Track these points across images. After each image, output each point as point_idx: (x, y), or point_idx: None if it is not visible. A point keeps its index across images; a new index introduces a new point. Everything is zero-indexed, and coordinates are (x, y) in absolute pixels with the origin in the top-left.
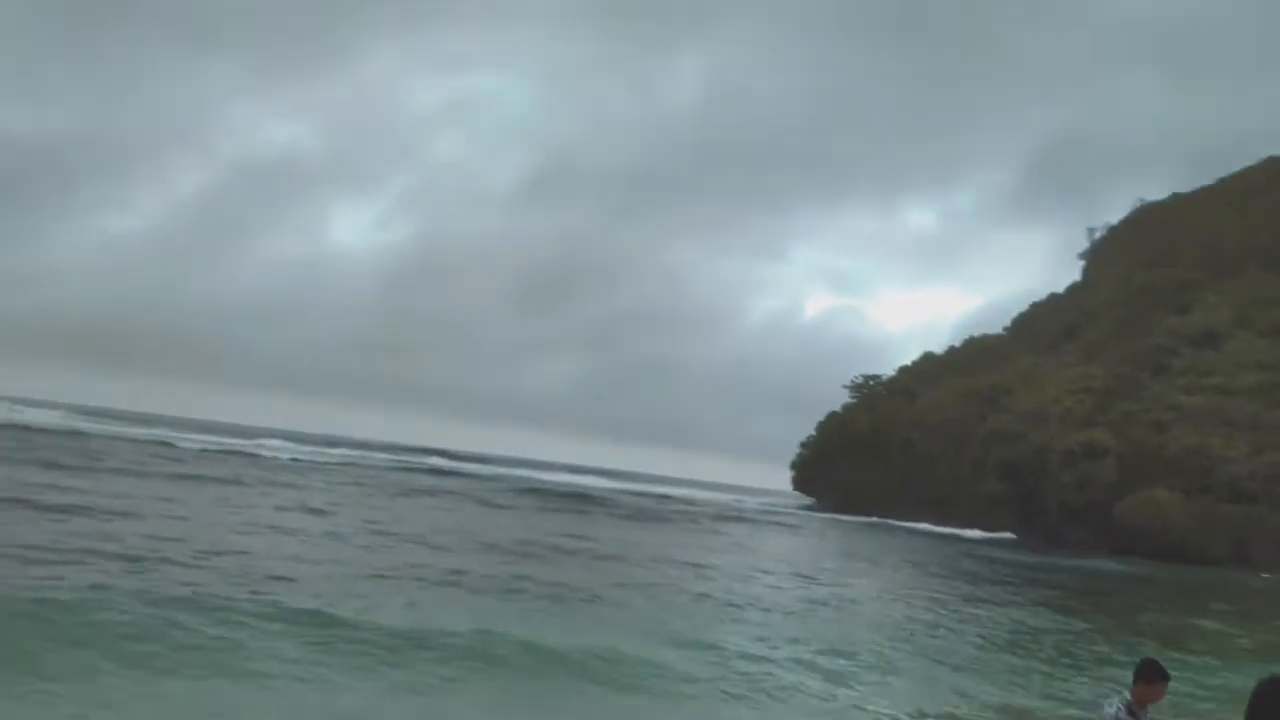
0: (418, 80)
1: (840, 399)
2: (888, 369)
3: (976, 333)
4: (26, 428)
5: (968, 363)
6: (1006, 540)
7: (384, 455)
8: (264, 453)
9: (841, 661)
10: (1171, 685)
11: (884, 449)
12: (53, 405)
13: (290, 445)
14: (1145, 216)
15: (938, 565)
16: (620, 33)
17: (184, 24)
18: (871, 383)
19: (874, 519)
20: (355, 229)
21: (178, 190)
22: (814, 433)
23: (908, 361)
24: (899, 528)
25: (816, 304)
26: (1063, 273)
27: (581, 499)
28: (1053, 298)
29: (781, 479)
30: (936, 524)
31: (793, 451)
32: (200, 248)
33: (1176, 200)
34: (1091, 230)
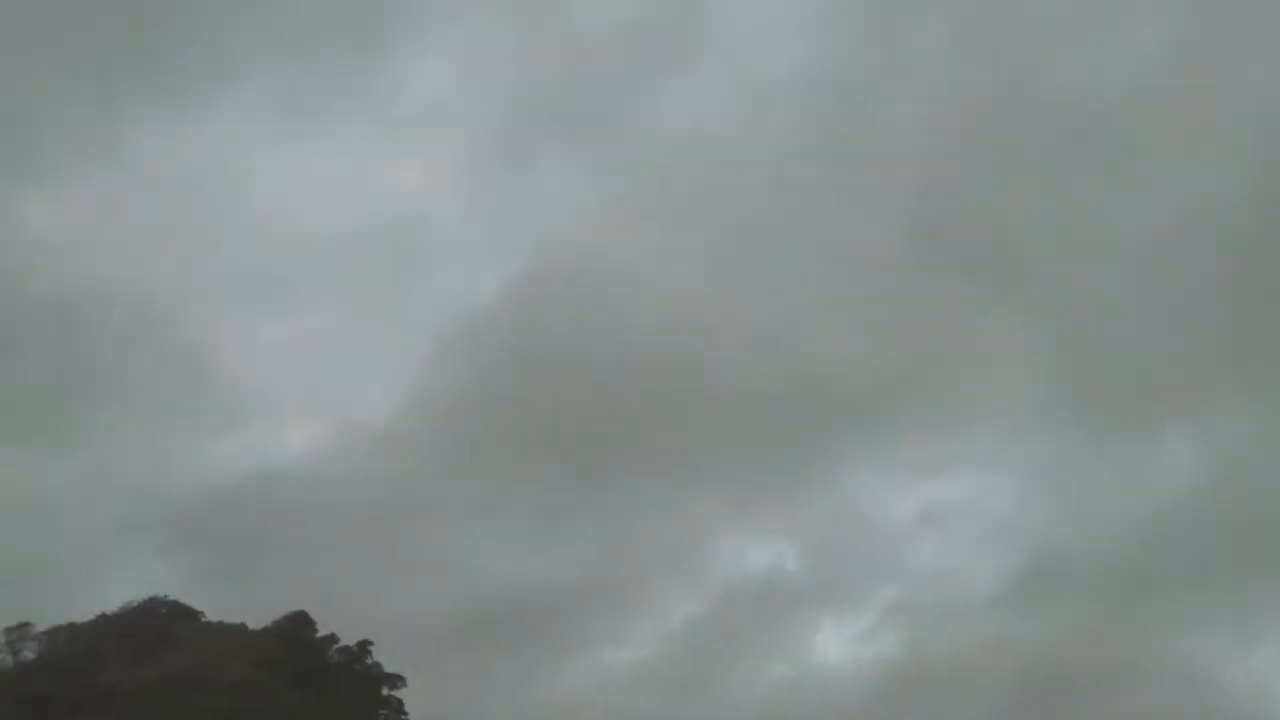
0: (892, 491)
1: None
2: None
3: None
4: None
5: None
6: None
7: None
8: None
9: None
10: None
11: None
12: None
13: None
14: None
15: None
16: (1097, 419)
17: (675, 467)
18: None
19: None
20: (839, 643)
21: (669, 620)
22: None
23: None
24: None
25: None
26: None
27: None
28: None
29: None
30: None
31: None
32: (691, 674)
33: None
34: None
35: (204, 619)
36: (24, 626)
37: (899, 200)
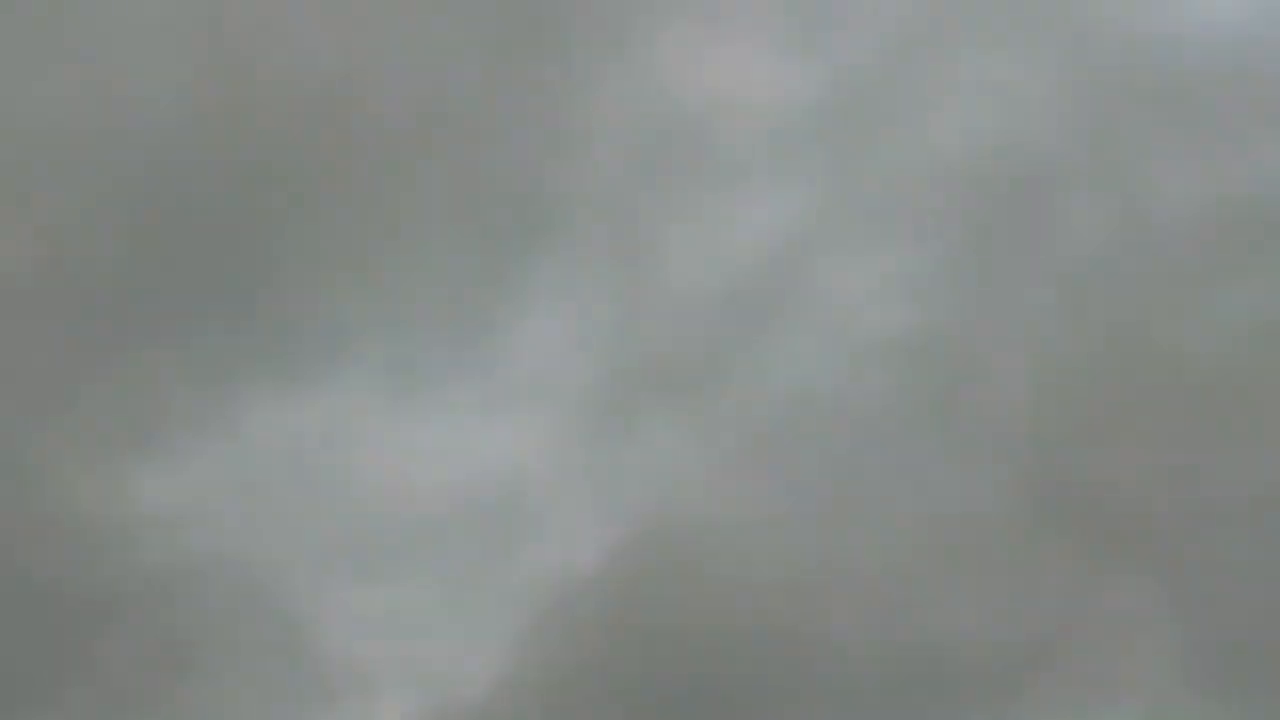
0: None
1: None
2: None
3: None
4: None
5: None
6: None
7: None
8: None
9: None
10: None
11: None
12: None
13: None
14: None
15: None
16: (1240, 691)
17: None
18: None
19: None
20: None
21: None
22: None
23: None
24: None
25: None
26: None
27: None
28: None
29: None
30: None
31: None
32: None
33: None
34: None
35: None
36: None
37: (1012, 461)
